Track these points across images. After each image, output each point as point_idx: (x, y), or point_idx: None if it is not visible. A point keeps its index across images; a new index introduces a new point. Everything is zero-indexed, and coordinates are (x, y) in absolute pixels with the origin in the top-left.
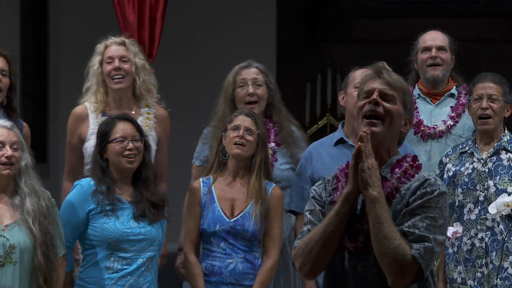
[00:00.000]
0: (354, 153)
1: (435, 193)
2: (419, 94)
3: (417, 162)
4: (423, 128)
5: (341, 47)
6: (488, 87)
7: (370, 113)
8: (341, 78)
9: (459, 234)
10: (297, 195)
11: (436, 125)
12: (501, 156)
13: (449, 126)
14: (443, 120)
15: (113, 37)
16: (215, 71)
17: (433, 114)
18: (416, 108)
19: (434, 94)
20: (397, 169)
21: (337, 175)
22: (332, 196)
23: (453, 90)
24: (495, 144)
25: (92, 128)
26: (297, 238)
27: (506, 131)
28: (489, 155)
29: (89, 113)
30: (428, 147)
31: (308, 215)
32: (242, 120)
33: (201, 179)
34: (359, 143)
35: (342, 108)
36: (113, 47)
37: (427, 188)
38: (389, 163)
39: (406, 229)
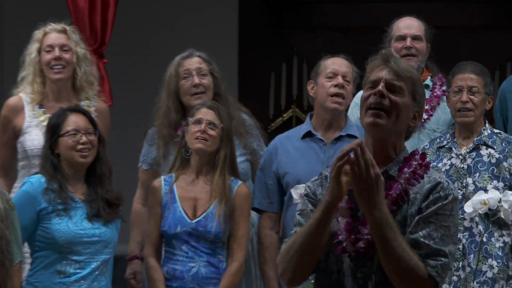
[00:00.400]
0: (338, 157)
1: (449, 198)
2: None
3: (426, 160)
4: None
5: (308, 35)
6: (468, 78)
7: (375, 105)
8: (307, 67)
9: None
10: (260, 191)
11: None
12: (481, 151)
13: (423, 120)
14: None
15: (53, 24)
16: (163, 67)
17: None
18: None
19: None
20: (406, 169)
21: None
22: None
23: (428, 81)
24: (475, 139)
25: (28, 120)
26: (284, 240)
27: (486, 125)
28: (469, 150)
29: (25, 104)
30: None
31: (297, 216)
32: (205, 113)
33: (162, 177)
34: (351, 147)
35: (311, 98)
36: (53, 34)
37: (441, 193)
38: (397, 160)
39: (422, 239)
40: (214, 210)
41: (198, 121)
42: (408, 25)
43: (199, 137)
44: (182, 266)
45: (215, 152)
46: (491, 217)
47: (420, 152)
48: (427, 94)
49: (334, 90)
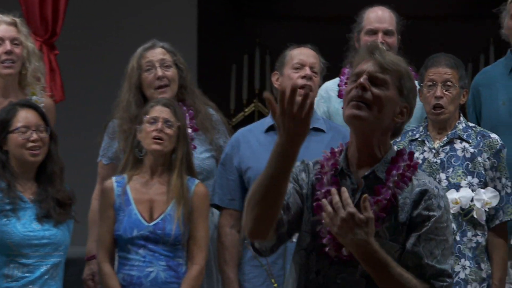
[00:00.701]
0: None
1: (442, 207)
2: None
3: (414, 161)
4: None
5: (270, 25)
6: (442, 72)
7: (356, 98)
8: (270, 59)
9: None
10: (221, 187)
11: None
12: (455, 145)
13: None
14: None
15: (1, 15)
16: (129, 54)
17: None
18: None
19: None
20: (394, 171)
21: (322, 163)
22: (317, 191)
23: None
24: (449, 133)
25: None
26: None
27: (461, 118)
28: (442, 144)
29: None
30: None
31: None
32: (160, 111)
33: (114, 178)
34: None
35: (275, 90)
36: (2, 26)
37: (433, 201)
38: (384, 160)
39: (426, 261)
40: (172, 212)
41: (154, 120)
42: (380, 18)
43: (156, 137)
44: (139, 271)
45: (171, 151)
46: (464, 216)
47: (398, 148)
48: None
49: (301, 81)
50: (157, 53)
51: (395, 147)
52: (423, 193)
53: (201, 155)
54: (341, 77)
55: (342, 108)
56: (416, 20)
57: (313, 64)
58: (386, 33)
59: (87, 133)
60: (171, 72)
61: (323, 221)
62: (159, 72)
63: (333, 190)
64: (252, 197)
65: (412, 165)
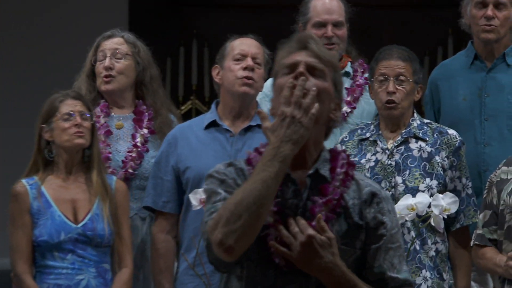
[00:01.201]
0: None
1: (392, 211)
2: None
3: (350, 159)
4: None
5: (209, 14)
6: (395, 65)
7: None
8: (209, 52)
9: None
10: (154, 188)
11: None
12: (410, 145)
13: (345, 114)
14: None
15: None
16: (57, 48)
17: None
18: None
19: None
20: (338, 169)
21: (254, 163)
22: None
23: (348, 68)
24: (403, 131)
25: None
26: (207, 215)
27: (415, 115)
28: (396, 144)
29: None
30: None
31: (222, 192)
32: (73, 105)
33: (24, 181)
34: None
35: (216, 85)
36: None
37: (384, 204)
38: (324, 158)
39: (389, 274)
40: (98, 211)
41: (69, 115)
42: (328, 9)
43: (77, 132)
44: (68, 280)
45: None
46: (421, 224)
47: (340, 145)
48: (348, 83)
49: (243, 73)
50: (113, 43)
51: (343, 147)
52: (374, 194)
53: (152, 160)
54: None
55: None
56: (368, 8)
57: (255, 55)
58: (336, 24)
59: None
60: (122, 64)
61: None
62: (107, 62)
63: (290, 220)
64: (239, 204)
65: (351, 164)
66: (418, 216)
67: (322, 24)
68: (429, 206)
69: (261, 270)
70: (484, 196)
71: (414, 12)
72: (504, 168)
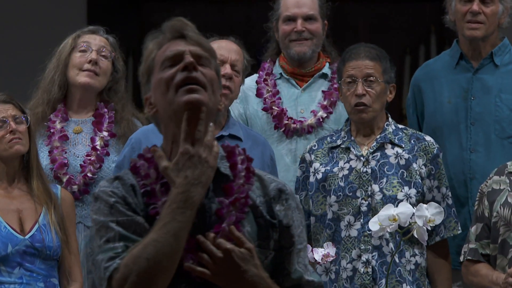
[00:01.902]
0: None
1: (297, 208)
2: (281, 74)
3: (247, 154)
4: (286, 121)
5: (171, 8)
6: (362, 65)
7: (189, 81)
8: None
9: (331, 258)
10: None
11: (303, 118)
12: (386, 151)
13: (321, 119)
14: (313, 111)
15: None
16: (11, 47)
17: (300, 101)
18: (278, 92)
19: (301, 75)
20: (239, 166)
21: (140, 171)
22: (152, 206)
23: (326, 69)
24: (378, 137)
25: None
26: (105, 258)
27: (390, 119)
28: (372, 150)
29: None
30: (293, 146)
31: (115, 227)
32: (5, 110)
33: None
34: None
35: None
36: None
37: (291, 202)
38: (220, 154)
39: (306, 278)
40: (45, 221)
41: (3, 121)
42: (298, 2)
43: (13, 139)
44: None
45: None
46: (403, 235)
47: (309, 154)
48: (325, 85)
49: None
50: (98, 39)
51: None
52: (281, 191)
53: (112, 164)
54: (260, 72)
55: (262, 109)
56: (342, 2)
57: (234, 62)
58: (307, 18)
59: None
60: (106, 64)
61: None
62: (94, 55)
63: (201, 239)
64: (151, 261)
65: (250, 159)
66: (400, 227)
67: (291, 19)
68: (411, 217)
69: (173, 285)
70: (475, 208)
71: (393, 6)
72: (496, 177)
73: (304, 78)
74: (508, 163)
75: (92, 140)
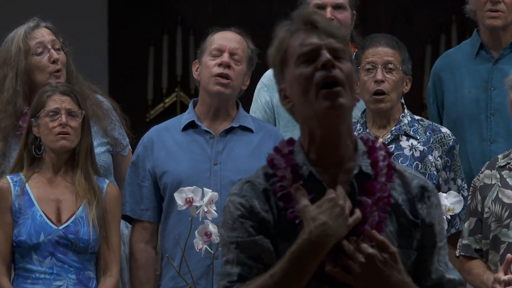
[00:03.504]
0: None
1: (439, 203)
2: None
3: (387, 148)
4: None
5: (194, 0)
6: (382, 52)
7: (329, 80)
8: (195, 40)
9: None
10: (132, 195)
11: None
12: (401, 143)
13: None
14: None
15: None
16: None
17: None
18: None
19: None
20: (380, 163)
21: (278, 172)
22: (288, 210)
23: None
24: (393, 128)
25: None
26: (220, 278)
27: (406, 111)
28: (386, 142)
29: None
30: None
31: (234, 250)
32: (61, 101)
33: (9, 177)
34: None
35: (196, 81)
36: None
37: (433, 199)
38: (360, 152)
39: (448, 277)
40: (83, 214)
41: (55, 112)
42: None
43: (61, 133)
44: (46, 286)
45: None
46: None
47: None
48: None
49: (217, 70)
50: (46, 33)
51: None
52: (424, 188)
53: (96, 150)
54: None
55: None
56: None
57: (234, 50)
58: (336, 6)
59: None
60: (62, 56)
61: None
62: (54, 54)
63: (344, 242)
64: None
65: (390, 154)
66: None
67: (321, 6)
68: None
69: (315, 286)
70: (469, 202)
71: None
72: (487, 172)
73: None
74: (499, 156)
75: None
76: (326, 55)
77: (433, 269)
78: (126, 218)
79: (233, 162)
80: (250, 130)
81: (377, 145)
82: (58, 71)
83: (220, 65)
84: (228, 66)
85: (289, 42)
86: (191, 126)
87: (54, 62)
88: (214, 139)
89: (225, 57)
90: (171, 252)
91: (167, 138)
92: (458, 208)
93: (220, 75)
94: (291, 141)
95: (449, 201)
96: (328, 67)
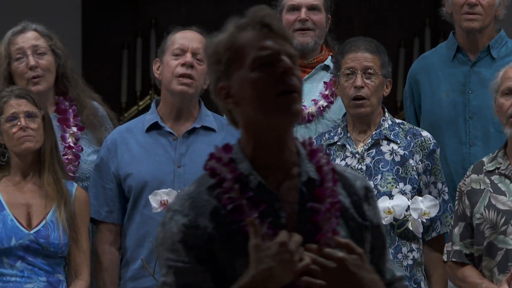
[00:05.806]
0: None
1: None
2: None
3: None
4: None
5: (168, 3)
6: (362, 58)
7: (287, 88)
8: None
9: None
10: (96, 197)
11: (304, 106)
12: (381, 148)
13: (321, 108)
14: (314, 100)
15: None
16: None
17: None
18: None
19: (303, 66)
20: (325, 167)
21: (218, 174)
22: (240, 222)
23: (328, 61)
24: (373, 133)
25: None
26: None
27: (386, 115)
28: (367, 147)
29: None
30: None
31: (173, 275)
32: (17, 105)
33: None
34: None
35: (157, 80)
36: None
37: (375, 199)
38: (302, 156)
39: (398, 274)
40: (53, 218)
41: (14, 117)
42: None
43: (23, 136)
44: None
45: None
46: (397, 228)
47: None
48: (327, 77)
49: (180, 70)
50: (29, 38)
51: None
52: (367, 188)
53: (89, 158)
54: None
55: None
56: None
57: (196, 50)
58: (311, 8)
59: None
60: (46, 61)
61: None
62: (31, 61)
63: (305, 252)
64: None
65: (328, 155)
66: (395, 219)
67: (296, 7)
68: (407, 210)
69: None
70: (456, 207)
71: (384, 1)
72: (474, 176)
73: (306, 69)
74: (485, 160)
75: (63, 138)
76: (287, 62)
77: (386, 269)
78: (91, 220)
79: (196, 164)
80: (212, 130)
81: (315, 147)
82: (35, 77)
83: (183, 65)
84: (191, 66)
85: (241, 42)
86: (154, 127)
87: (31, 68)
88: (177, 141)
89: (188, 57)
90: (132, 253)
91: (130, 140)
92: (433, 212)
93: (183, 75)
94: (228, 147)
95: (425, 205)
96: (289, 74)
